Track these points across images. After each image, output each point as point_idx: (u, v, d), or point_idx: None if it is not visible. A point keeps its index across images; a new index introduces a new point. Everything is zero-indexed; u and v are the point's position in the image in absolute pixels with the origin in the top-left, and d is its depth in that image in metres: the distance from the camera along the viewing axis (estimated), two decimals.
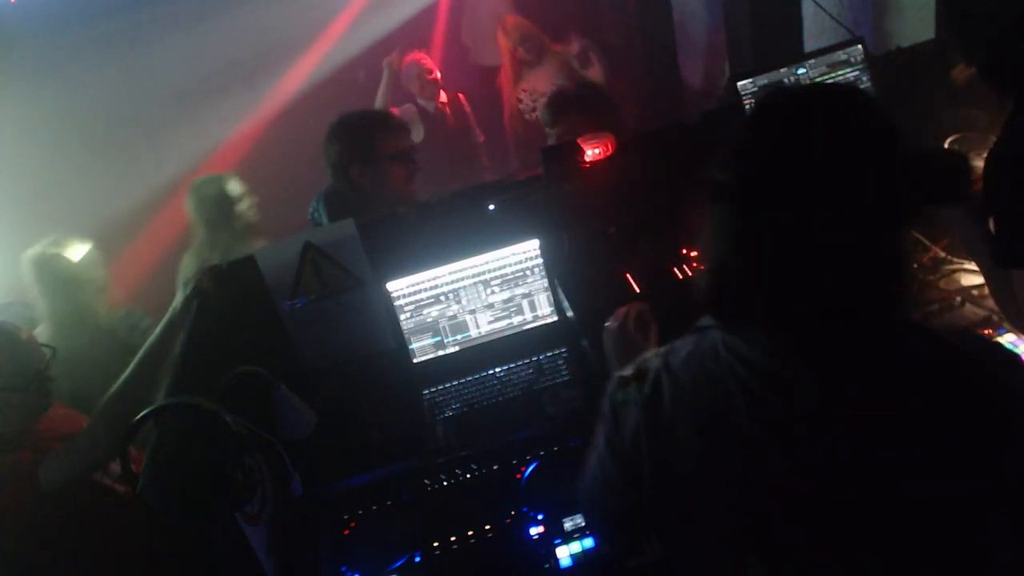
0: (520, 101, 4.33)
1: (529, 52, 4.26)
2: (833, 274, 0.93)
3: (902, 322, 1.01)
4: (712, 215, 1.00)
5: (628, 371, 1.12)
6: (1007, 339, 1.72)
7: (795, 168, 0.92)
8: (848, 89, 1.03)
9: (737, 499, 1.00)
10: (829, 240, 0.92)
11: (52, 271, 2.60)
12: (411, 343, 2.12)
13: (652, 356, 1.12)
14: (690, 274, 2.12)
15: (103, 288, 2.71)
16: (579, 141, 2.32)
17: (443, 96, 4.34)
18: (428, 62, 4.32)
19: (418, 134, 4.27)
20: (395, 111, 4.28)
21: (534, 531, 1.60)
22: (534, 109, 4.18)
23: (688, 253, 2.17)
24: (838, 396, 0.95)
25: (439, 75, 4.34)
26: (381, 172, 2.57)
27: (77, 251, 2.62)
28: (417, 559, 1.60)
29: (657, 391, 1.06)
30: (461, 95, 4.44)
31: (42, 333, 2.62)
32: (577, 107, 2.84)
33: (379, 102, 4.34)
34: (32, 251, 2.62)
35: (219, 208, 3.12)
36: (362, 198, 2.58)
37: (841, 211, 0.91)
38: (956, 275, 1.98)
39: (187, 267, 3.15)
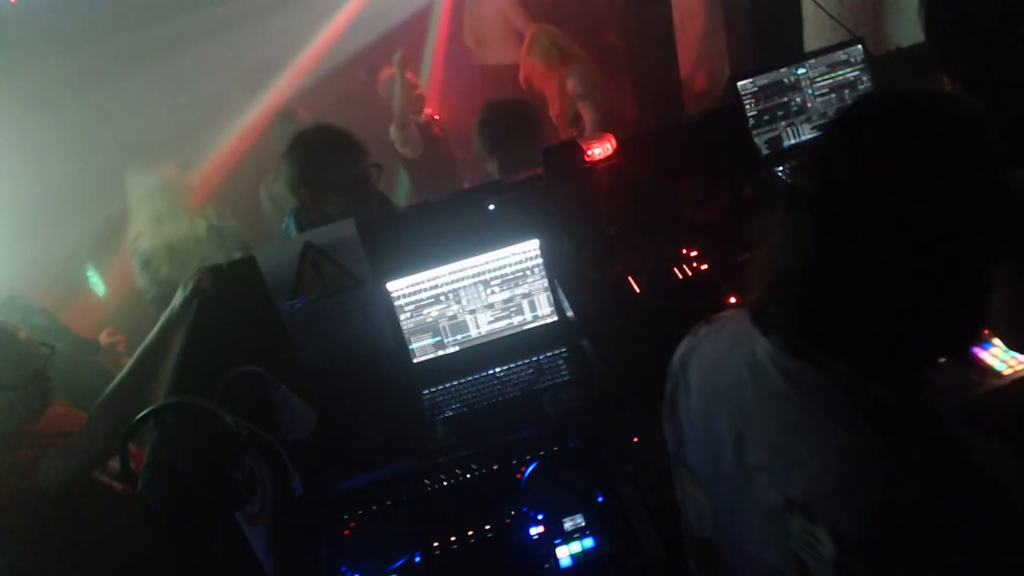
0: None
1: (564, 58, 4.27)
2: (908, 304, 0.84)
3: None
4: (784, 220, 0.92)
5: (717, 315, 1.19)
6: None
7: (886, 178, 0.82)
8: (958, 100, 0.90)
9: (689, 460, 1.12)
10: (912, 264, 0.82)
11: (148, 179, 3.17)
12: (411, 343, 2.12)
13: (734, 310, 1.12)
14: (690, 274, 2.11)
15: (189, 190, 3.29)
16: (579, 141, 2.33)
17: (427, 109, 4.37)
18: (412, 77, 4.34)
19: (416, 149, 4.28)
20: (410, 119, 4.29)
21: (534, 531, 1.60)
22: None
23: (688, 253, 2.17)
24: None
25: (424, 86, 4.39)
26: (329, 198, 2.43)
27: (163, 166, 3.22)
28: (417, 559, 1.60)
29: (705, 338, 1.13)
30: (431, 110, 4.48)
31: (139, 229, 3.15)
32: (514, 132, 2.70)
33: (397, 104, 4.32)
34: (129, 170, 3.21)
35: None
36: (323, 218, 2.44)
37: (934, 232, 0.82)
38: None
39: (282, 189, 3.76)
